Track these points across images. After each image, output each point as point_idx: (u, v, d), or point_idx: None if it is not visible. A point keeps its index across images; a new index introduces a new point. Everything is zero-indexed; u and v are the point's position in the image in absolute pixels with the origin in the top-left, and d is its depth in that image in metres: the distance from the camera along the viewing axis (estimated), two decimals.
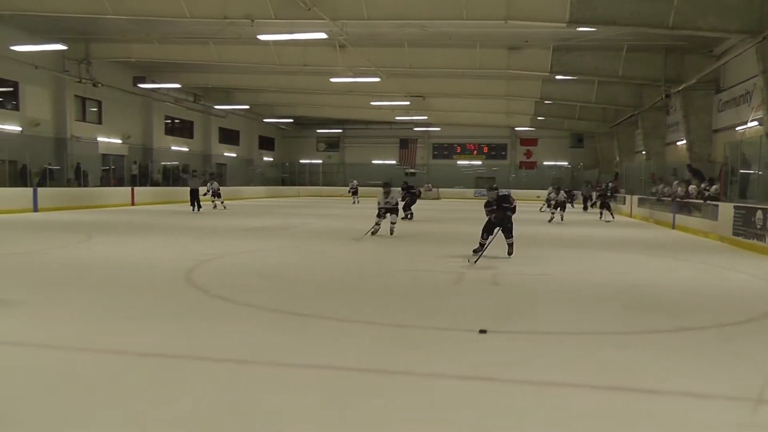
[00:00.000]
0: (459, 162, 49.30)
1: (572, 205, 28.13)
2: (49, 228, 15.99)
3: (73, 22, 20.83)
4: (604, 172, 35.94)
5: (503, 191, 11.08)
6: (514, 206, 10.60)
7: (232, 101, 36.66)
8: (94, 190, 26.06)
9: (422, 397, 3.89)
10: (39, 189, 22.16)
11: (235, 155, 43.21)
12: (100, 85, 26.03)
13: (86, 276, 8.68)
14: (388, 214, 14.19)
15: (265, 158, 48.81)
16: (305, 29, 18.16)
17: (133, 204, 27.18)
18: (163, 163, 33.38)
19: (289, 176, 49.65)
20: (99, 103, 28.81)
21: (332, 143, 51.87)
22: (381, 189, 14.45)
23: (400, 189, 16.83)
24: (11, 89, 24.03)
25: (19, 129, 24.10)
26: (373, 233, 14.11)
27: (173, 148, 35.67)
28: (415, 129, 46.78)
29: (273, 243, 13.29)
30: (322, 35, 18.56)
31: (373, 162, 49.15)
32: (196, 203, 23.85)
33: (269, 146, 49.93)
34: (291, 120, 45.55)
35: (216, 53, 24.46)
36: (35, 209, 21.34)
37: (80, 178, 26.37)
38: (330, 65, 24.23)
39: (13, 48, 21.19)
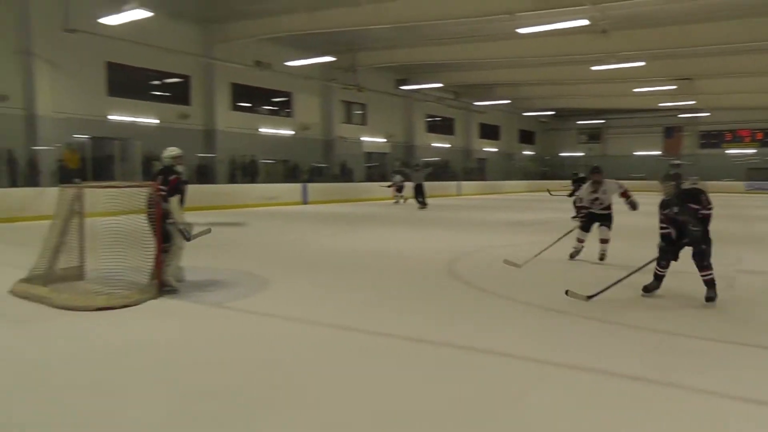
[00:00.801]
0: (728, 151, 43.09)
1: None
2: (318, 218, 17.61)
3: (340, 35, 22.44)
4: None
5: (690, 182, 6.65)
6: (706, 213, 6.29)
7: (491, 97, 36.42)
8: (358, 185, 27.93)
9: (685, 412, 3.62)
10: (308, 184, 24.62)
11: (495, 150, 43.28)
12: (364, 90, 27.68)
13: (353, 262, 9.31)
14: (594, 224, 9.37)
15: (526, 152, 48.04)
16: (565, 17, 17.27)
17: None
18: (424, 159, 34.23)
19: (549, 170, 48.18)
20: (363, 106, 30.89)
21: (593, 134, 49.02)
22: (589, 180, 9.93)
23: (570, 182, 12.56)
24: (286, 99, 27.23)
25: (292, 132, 27.09)
26: (571, 257, 9.35)
27: (434, 144, 36.72)
28: (680, 116, 41.78)
29: (531, 237, 12.74)
30: (584, 22, 17.45)
31: (635, 153, 45.16)
32: (420, 198, 21.87)
33: (529, 140, 49.05)
34: (551, 112, 44.16)
35: (475, 51, 24.48)
36: (305, 202, 23.69)
37: (345, 174, 28.65)
38: (590, 53, 22.81)
39: (287, 64, 23.68)
